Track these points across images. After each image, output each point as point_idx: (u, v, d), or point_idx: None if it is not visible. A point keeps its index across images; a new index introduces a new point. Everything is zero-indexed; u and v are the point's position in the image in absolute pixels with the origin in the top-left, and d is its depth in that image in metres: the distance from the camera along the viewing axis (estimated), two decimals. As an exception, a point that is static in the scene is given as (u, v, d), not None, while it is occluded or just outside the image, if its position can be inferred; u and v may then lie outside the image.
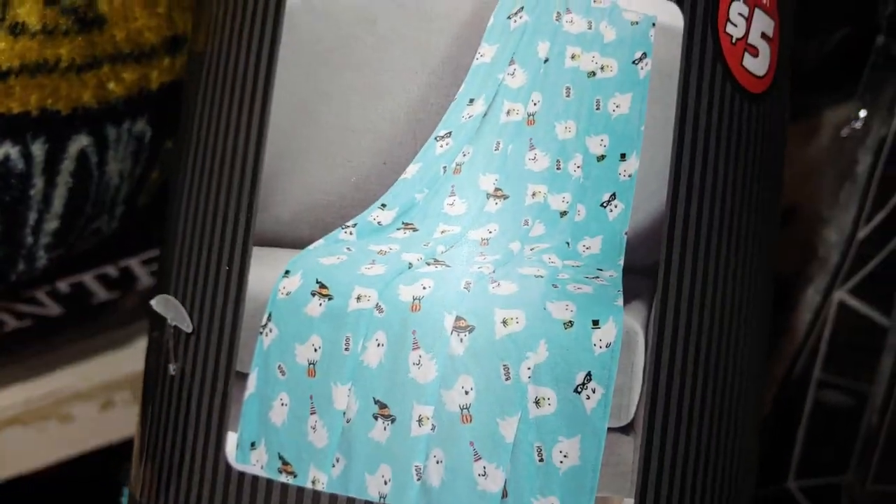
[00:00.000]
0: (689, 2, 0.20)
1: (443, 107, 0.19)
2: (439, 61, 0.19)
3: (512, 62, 0.19)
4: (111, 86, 0.25)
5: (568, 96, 0.19)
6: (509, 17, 0.19)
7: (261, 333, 0.20)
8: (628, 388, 0.19)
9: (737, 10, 0.21)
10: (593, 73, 0.19)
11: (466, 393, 0.18)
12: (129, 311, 0.32)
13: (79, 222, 0.26)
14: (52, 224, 0.25)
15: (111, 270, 0.31)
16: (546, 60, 0.19)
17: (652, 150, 0.20)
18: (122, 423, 0.31)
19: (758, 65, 0.22)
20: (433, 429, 0.18)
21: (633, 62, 0.19)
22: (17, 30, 0.22)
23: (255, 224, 0.20)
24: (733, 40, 0.21)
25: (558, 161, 0.19)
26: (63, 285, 0.30)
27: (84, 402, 0.31)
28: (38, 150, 0.23)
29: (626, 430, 0.19)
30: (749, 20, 0.21)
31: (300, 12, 0.20)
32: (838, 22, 0.33)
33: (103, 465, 0.32)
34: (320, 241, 0.20)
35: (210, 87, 0.22)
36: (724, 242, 0.21)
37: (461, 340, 0.18)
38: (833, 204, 0.30)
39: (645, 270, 0.19)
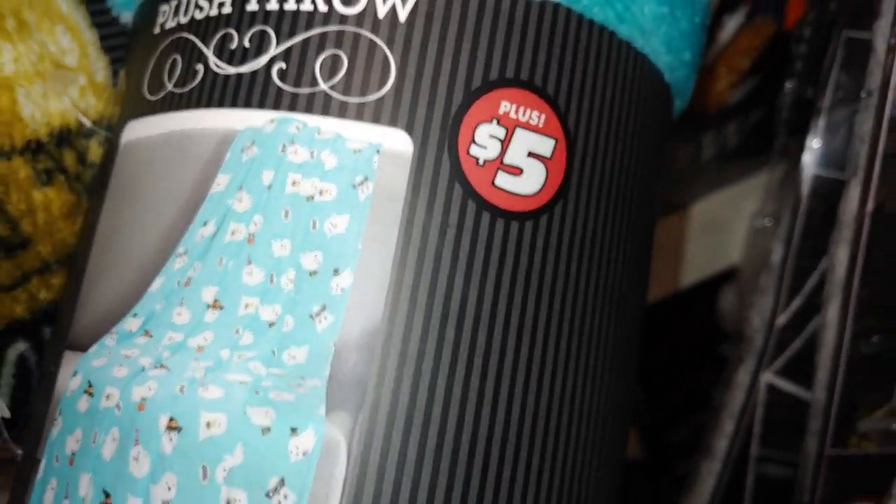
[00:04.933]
0: (419, 129, 0.21)
1: (187, 230, 0.22)
2: (190, 192, 0.22)
3: (240, 189, 0.21)
4: (42, 294, 0.26)
5: (286, 218, 0.21)
6: (242, 150, 0.21)
7: (53, 426, 0.23)
8: (325, 496, 0.19)
9: (487, 132, 0.22)
10: (312, 197, 0.21)
11: (169, 489, 0.20)
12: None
13: (24, 412, 0.26)
14: None
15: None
16: (270, 187, 0.21)
17: (373, 267, 0.20)
18: None
19: (522, 183, 0.22)
20: (139, 521, 0.20)
21: (354, 186, 0.21)
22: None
23: (71, 332, 0.23)
24: (480, 161, 0.22)
25: (272, 275, 0.21)
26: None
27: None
28: None
29: (321, 538, 0.19)
30: (505, 141, 0.22)
31: (122, 154, 0.24)
32: (754, 105, 0.36)
33: None
34: (94, 346, 0.22)
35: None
36: (461, 359, 0.21)
37: (171, 440, 0.20)
38: (755, 290, 0.31)
39: (355, 381, 0.20)
